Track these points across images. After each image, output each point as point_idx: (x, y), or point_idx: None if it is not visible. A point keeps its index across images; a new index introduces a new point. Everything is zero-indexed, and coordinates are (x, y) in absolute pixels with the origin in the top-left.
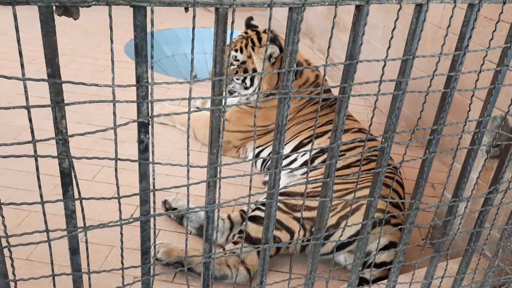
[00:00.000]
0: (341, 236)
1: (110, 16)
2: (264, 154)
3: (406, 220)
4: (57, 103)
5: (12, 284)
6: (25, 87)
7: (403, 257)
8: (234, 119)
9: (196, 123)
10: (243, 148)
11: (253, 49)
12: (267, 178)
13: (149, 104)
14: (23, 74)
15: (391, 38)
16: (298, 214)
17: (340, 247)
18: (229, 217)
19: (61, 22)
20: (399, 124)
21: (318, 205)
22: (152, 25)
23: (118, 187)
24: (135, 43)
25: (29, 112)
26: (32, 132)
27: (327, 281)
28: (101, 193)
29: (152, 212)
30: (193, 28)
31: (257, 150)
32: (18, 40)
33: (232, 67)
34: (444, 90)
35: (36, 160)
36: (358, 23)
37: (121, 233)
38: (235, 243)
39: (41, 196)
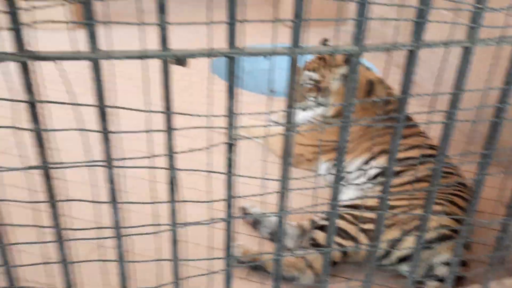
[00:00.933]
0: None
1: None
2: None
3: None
4: (170, 128)
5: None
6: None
7: (459, 269)
8: (308, 134)
9: (271, 139)
10: (315, 161)
11: (327, 69)
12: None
13: (233, 130)
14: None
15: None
16: (365, 226)
17: (404, 259)
18: (299, 225)
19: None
20: (474, 143)
21: (377, 218)
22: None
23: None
24: (229, 84)
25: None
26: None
27: None
28: (190, 198)
29: (230, 214)
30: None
31: (328, 164)
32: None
33: (306, 86)
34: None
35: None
36: (411, 64)
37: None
38: (303, 248)
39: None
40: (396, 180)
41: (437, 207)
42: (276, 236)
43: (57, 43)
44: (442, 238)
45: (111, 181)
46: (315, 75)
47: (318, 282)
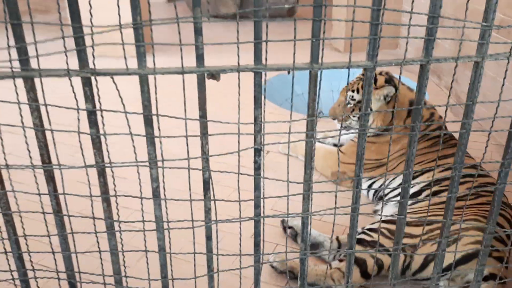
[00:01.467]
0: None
1: (238, 79)
2: (376, 185)
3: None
4: (204, 134)
5: None
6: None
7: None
8: (350, 153)
9: (315, 155)
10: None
11: None
12: (377, 207)
13: (262, 136)
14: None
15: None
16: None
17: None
18: (337, 239)
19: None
20: None
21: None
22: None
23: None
24: (254, 95)
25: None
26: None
27: None
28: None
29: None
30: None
31: (370, 182)
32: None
33: (349, 105)
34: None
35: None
36: (422, 78)
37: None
38: (340, 260)
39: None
40: (436, 199)
41: (476, 223)
42: (312, 247)
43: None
44: (478, 255)
45: (155, 179)
46: (357, 96)
47: None
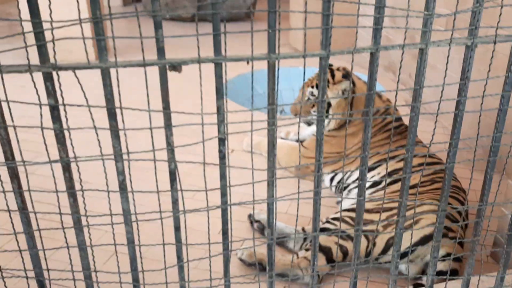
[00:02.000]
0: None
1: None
2: (338, 178)
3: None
4: (168, 126)
5: None
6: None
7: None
8: (312, 147)
9: (279, 152)
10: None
11: (328, 86)
12: (339, 198)
13: (225, 126)
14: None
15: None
16: (364, 227)
17: (401, 256)
18: (303, 229)
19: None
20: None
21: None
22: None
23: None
24: (216, 86)
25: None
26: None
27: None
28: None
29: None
30: (252, 75)
31: (332, 175)
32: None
33: (309, 101)
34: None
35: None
36: (372, 65)
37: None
38: (306, 250)
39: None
40: (394, 187)
41: (432, 207)
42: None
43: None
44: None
45: (121, 172)
46: (316, 91)
47: (320, 281)
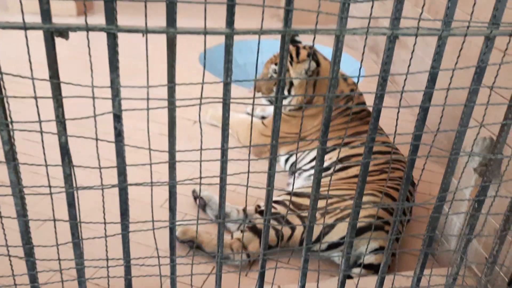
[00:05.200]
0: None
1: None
2: (293, 158)
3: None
4: (57, 96)
5: None
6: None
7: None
8: (271, 125)
9: (240, 127)
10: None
11: (291, 64)
12: (290, 180)
13: (119, 101)
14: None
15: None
16: (303, 213)
17: (334, 246)
18: (244, 210)
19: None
20: (442, 142)
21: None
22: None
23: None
24: (109, 58)
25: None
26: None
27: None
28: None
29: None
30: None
31: (287, 156)
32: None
33: (272, 78)
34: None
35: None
36: (283, 48)
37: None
38: (242, 231)
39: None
40: (342, 174)
41: (371, 198)
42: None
43: None
44: (370, 228)
45: (6, 142)
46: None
47: (251, 264)
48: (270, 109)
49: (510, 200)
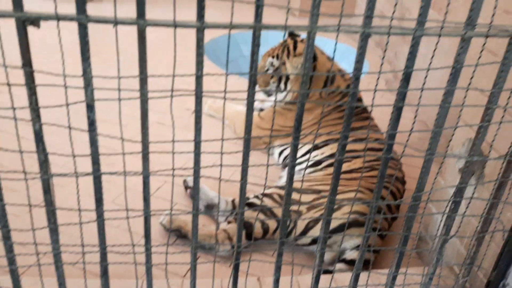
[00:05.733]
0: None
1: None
2: (287, 151)
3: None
4: (30, 84)
5: None
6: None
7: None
8: (267, 118)
9: (237, 120)
10: (271, 145)
11: (288, 57)
12: (282, 173)
13: (91, 91)
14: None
15: None
16: (291, 207)
17: (317, 241)
18: (233, 201)
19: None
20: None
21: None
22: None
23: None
24: (80, 47)
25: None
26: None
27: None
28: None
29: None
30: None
31: (281, 148)
32: None
33: (268, 71)
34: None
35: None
36: (254, 43)
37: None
38: (228, 222)
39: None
40: (332, 169)
41: (358, 195)
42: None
43: None
44: (354, 224)
45: None
46: (276, 62)
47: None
48: (266, 102)
49: (487, 202)
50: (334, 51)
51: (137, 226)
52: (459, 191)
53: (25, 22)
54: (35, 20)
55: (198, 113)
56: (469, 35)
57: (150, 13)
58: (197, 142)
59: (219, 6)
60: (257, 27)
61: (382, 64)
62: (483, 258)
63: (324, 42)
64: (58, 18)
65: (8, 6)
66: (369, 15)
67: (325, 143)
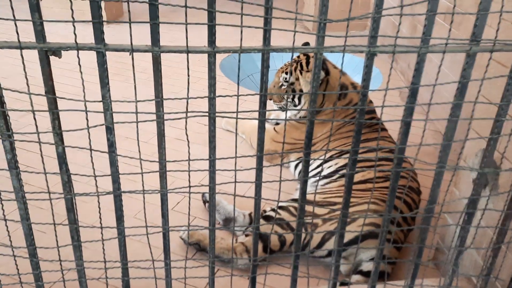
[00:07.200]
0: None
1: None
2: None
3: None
4: (53, 109)
5: None
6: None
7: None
8: (283, 132)
9: (253, 134)
10: (287, 158)
11: (301, 73)
12: (299, 185)
13: (110, 114)
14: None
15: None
16: (307, 219)
17: (330, 253)
18: (250, 214)
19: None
20: (455, 150)
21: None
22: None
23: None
24: (99, 74)
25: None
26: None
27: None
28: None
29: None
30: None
31: (298, 161)
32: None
33: (282, 87)
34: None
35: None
36: (264, 65)
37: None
38: (246, 235)
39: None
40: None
41: (373, 206)
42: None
43: None
44: (370, 236)
45: (9, 151)
46: (290, 78)
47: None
48: (283, 116)
49: (502, 213)
50: (342, 64)
51: (157, 240)
52: (473, 202)
53: (47, 52)
54: (57, 50)
55: (212, 132)
56: (474, 50)
57: (169, 28)
58: (212, 161)
59: (231, 20)
60: (265, 50)
61: (388, 81)
62: (500, 268)
63: (339, 54)
64: (78, 48)
65: (30, 37)
66: (374, 35)
67: (339, 154)
